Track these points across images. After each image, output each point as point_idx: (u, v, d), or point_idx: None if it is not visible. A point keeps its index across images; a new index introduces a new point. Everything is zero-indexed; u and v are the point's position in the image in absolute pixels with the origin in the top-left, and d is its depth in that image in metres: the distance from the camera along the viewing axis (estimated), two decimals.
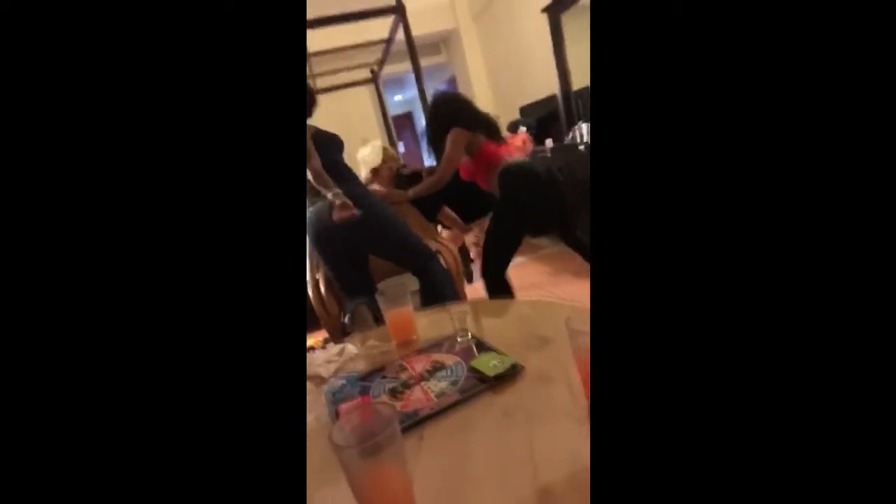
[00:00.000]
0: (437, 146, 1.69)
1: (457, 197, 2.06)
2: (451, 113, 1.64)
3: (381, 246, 1.51)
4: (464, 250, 2.42)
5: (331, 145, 1.47)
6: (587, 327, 0.53)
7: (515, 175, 1.58)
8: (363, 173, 1.99)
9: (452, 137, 1.60)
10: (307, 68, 1.60)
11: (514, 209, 1.58)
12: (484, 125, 1.65)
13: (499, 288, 1.63)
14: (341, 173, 1.46)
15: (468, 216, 2.20)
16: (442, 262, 1.70)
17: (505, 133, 1.85)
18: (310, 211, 1.45)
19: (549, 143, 3.13)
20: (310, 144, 1.37)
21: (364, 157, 1.96)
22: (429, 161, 3.14)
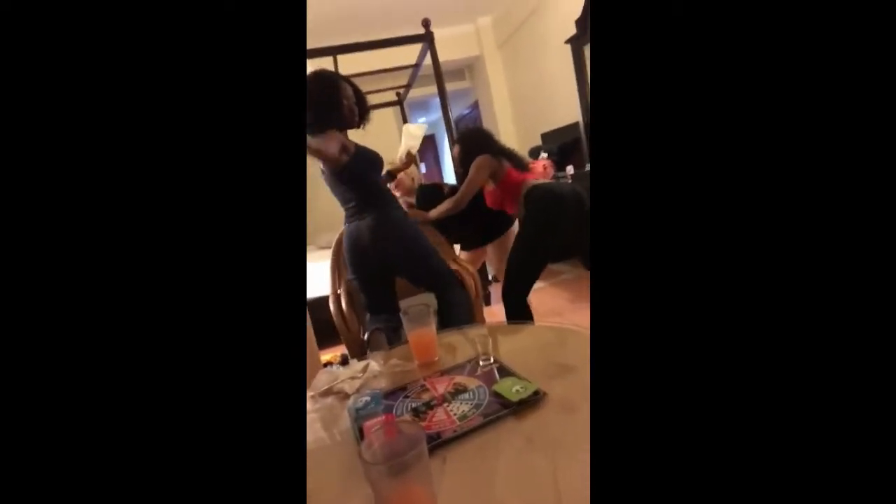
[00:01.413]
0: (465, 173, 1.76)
1: (477, 218, 2.08)
2: (479, 143, 1.73)
3: (412, 270, 1.53)
4: (482, 271, 2.42)
5: (369, 163, 1.47)
6: None
7: (542, 195, 1.60)
8: (401, 152, 2.00)
9: (478, 162, 1.67)
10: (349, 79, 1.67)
11: (539, 229, 1.59)
12: (508, 154, 1.72)
13: (520, 312, 1.61)
14: (377, 195, 1.46)
15: (487, 238, 2.20)
16: (466, 281, 1.71)
17: (527, 159, 1.89)
18: (350, 226, 1.47)
19: (569, 169, 3.15)
20: (334, 140, 1.33)
21: (410, 132, 1.81)
22: (449, 180, 3.18)
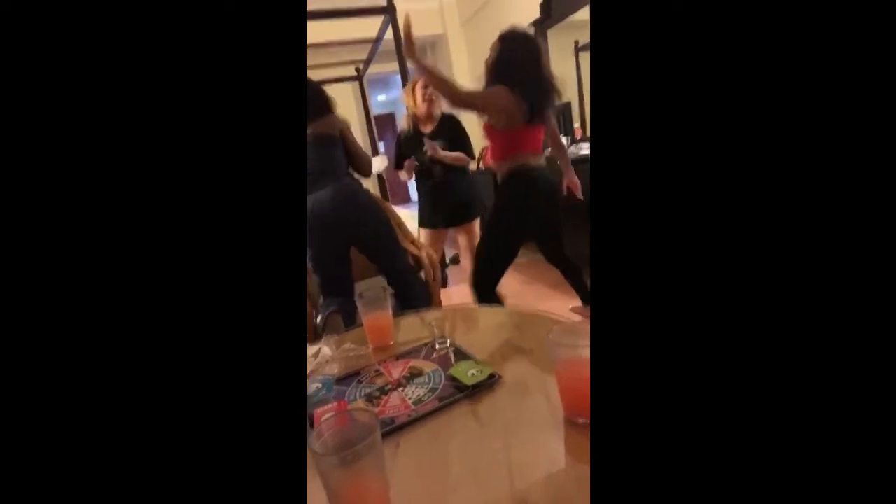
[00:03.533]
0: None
1: (444, 198, 2.01)
2: (520, 61, 1.42)
3: (371, 240, 1.51)
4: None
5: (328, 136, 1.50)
6: (568, 340, 0.54)
7: (525, 182, 1.49)
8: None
9: (496, 90, 1.41)
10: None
11: (515, 218, 1.51)
12: (540, 96, 1.45)
13: (490, 298, 1.56)
14: (335, 167, 1.48)
15: (450, 221, 2.13)
16: (423, 263, 1.70)
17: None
18: (308, 198, 1.43)
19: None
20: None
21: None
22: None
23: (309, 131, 1.47)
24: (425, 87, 1.90)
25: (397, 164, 2.04)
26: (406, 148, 2.00)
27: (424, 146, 1.89)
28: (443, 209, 2.02)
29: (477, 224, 2.09)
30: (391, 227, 1.57)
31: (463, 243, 2.14)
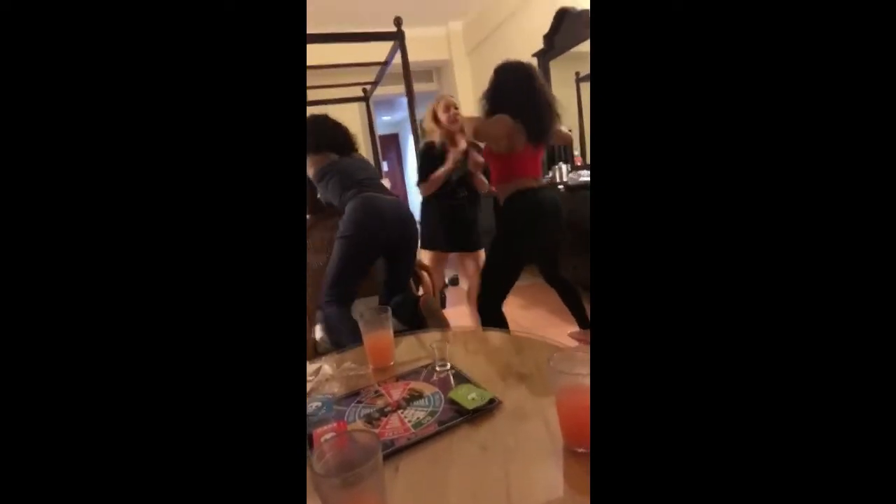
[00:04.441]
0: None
1: (449, 220, 1.99)
2: (516, 89, 1.48)
3: (403, 258, 1.53)
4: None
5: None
6: (569, 368, 0.54)
7: (529, 204, 1.51)
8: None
9: (495, 119, 1.47)
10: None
11: (518, 239, 1.53)
12: (538, 120, 1.51)
13: (494, 321, 1.57)
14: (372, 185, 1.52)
15: (453, 245, 2.09)
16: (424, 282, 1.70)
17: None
18: (366, 196, 1.42)
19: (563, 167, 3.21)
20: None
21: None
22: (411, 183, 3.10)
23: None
24: (448, 108, 1.93)
25: (426, 175, 1.95)
26: (431, 163, 1.94)
27: (449, 165, 1.88)
28: (455, 232, 2.01)
29: (483, 251, 2.09)
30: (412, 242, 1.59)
31: (471, 269, 2.10)
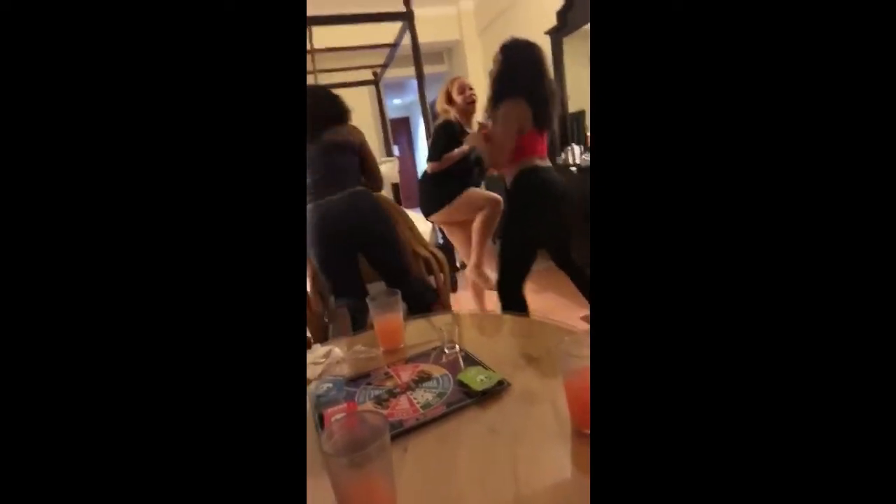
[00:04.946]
0: (495, 111, 1.50)
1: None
2: (526, 69, 1.44)
3: (378, 250, 1.53)
4: (450, 257, 2.39)
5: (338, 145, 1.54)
6: (578, 351, 0.54)
7: (537, 182, 1.49)
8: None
9: (507, 112, 1.42)
10: (311, 64, 1.60)
11: (527, 220, 1.51)
12: (545, 104, 1.47)
13: (516, 304, 1.55)
14: (345, 175, 1.51)
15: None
16: (433, 266, 1.70)
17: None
18: (319, 203, 1.46)
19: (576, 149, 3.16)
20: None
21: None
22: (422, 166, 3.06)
23: (325, 138, 1.50)
24: (463, 90, 1.90)
25: (439, 154, 1.90)
26: (449, 142, 1.90)
27: (467, 148, 1.86)
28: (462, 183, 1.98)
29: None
30: (398, 237, 1.57)
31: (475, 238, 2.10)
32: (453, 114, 1.96)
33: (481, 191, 2.00)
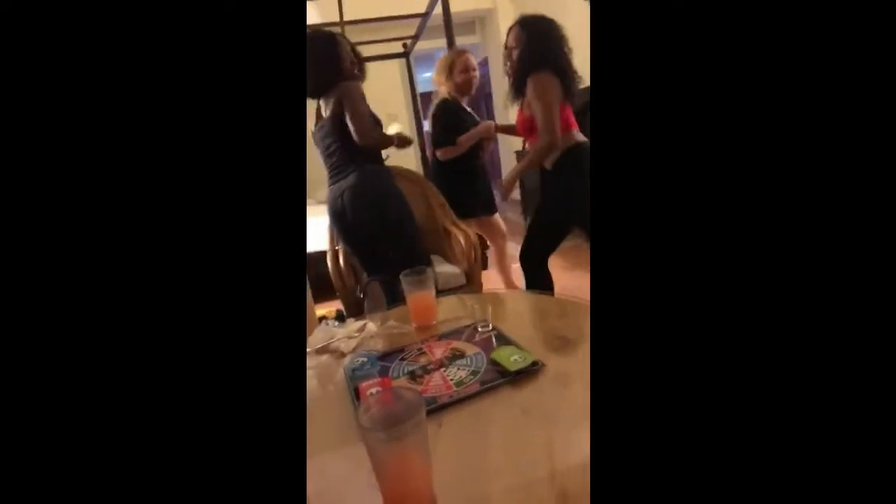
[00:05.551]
0: (521, 90, 1.44)
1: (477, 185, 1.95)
2: (547, 40, 1.40)
3: (387, 249, 1.49)
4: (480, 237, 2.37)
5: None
6: None
7: (585, 162, 1.42)
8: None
9: (544, 83, 1.36)
10: (342, 34, 1.56)
11: (574, 201, 1.44)
12: (570, 76, 1.43)
13: (539, 279, 1.54)
14: (359, 152, 1.43)
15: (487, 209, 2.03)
16: (461, 242, 1.69)
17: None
18: (333, 188, 1.46)
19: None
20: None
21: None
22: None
23: (325, 114, 1.44)
24: (467, 69, 1.83)
25: (451, 137, 1.82)
26: (456, 123, 1.82)
27: (481, 129, 1.81)
28: (483, 195, 1.99)
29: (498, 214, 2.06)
30: (411, 235, 1.51)
31: (497, 232, 2.09)
32: (447, 89, 1.86)
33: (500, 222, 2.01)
